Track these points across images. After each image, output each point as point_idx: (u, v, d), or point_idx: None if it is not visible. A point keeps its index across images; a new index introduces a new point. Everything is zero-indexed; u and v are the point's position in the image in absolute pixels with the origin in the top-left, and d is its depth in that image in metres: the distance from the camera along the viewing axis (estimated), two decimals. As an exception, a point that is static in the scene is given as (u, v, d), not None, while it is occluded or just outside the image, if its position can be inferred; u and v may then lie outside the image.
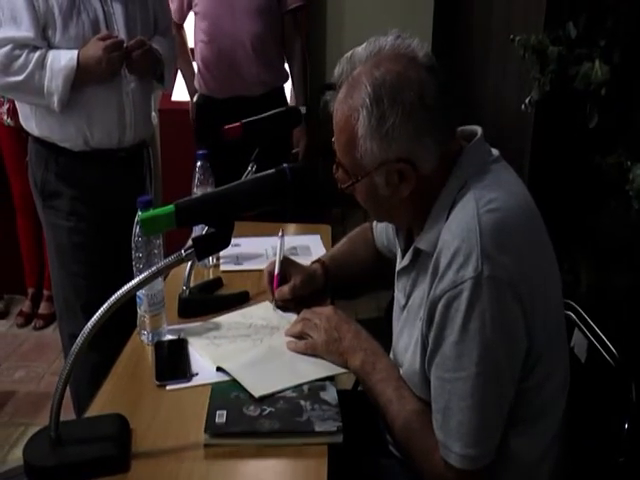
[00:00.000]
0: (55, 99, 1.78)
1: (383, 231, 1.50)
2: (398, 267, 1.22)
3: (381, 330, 1.37)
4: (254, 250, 1.77)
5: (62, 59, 1.76)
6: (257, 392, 1.15)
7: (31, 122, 1.90)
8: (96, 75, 1.81)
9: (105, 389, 1.22)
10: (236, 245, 1.77)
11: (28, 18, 1.73)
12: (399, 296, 1.23)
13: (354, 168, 1.09)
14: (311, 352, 1.27)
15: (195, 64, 2.80)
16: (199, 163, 1.64)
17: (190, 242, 1.06)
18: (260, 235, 1.81)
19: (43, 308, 3.14)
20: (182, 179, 1.76)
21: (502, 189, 1.07)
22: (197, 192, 1.63)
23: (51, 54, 1.76)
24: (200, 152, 1.65)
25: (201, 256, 1.08)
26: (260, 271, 1.63)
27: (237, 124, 1.65)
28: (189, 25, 2.83)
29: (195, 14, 2.71)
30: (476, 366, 0.99)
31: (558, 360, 1.10)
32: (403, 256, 1.20)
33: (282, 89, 2.84)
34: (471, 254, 0.98)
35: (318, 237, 1.88)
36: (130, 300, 1.08)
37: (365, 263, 1.58)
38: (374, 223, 1.55)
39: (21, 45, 1.74)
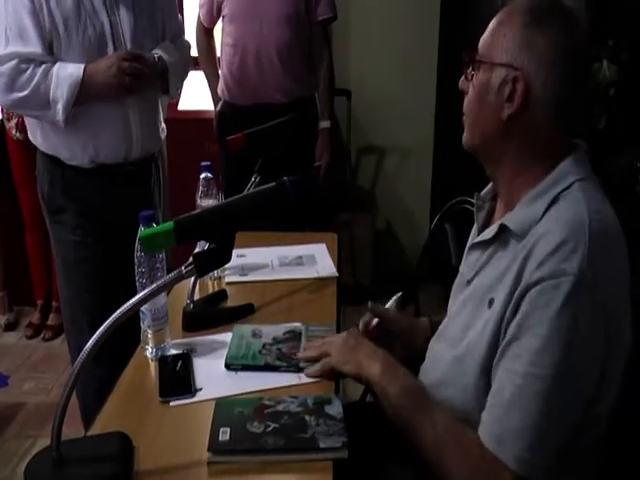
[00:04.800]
0: (59, 107, 1.74)
1: None
2: (474, 240, 1.18)
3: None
4: (259, 260, 1.75)
5: (69, 67, 1.75)
6: None
7: (38, 138, 1.90)
8: (104, 85, 1.77)
9: (109, 406, 1.21)
10: (241, 256, 1.75)
11: (35, 35, 1.72)
12: (465, 270, 1.19)
13: (483, 55, 1.09)
14: (327, 367, 1.24)
15: (220, 70, 2.76)
16: (203, 175, 1.63)
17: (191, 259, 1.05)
18: (266, 245, 1.80)
19: (52, 319, 3.14)
20: (189, 190, 1.75)
21: (605, 205, 1.05)
22: (201, 204, 1.62)
23: (58, 64, 1.75)
24: (204, 164, 1.64)
25: (201, 272, 1.07)
26: (265, 282, 1.61)
27: (239, 135, 1.63)
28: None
29: (223, 17, 2.68)
30: (556, 367, 0.94)
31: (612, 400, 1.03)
32: (481, 231, 1.17)
33: (309, 100, 2.76)
34: (577, 249, 0.95)
35: (324, 246, 1.86)
36: (136, 314, 1.07)
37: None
38: None
39: (27, 59, 1.73)
